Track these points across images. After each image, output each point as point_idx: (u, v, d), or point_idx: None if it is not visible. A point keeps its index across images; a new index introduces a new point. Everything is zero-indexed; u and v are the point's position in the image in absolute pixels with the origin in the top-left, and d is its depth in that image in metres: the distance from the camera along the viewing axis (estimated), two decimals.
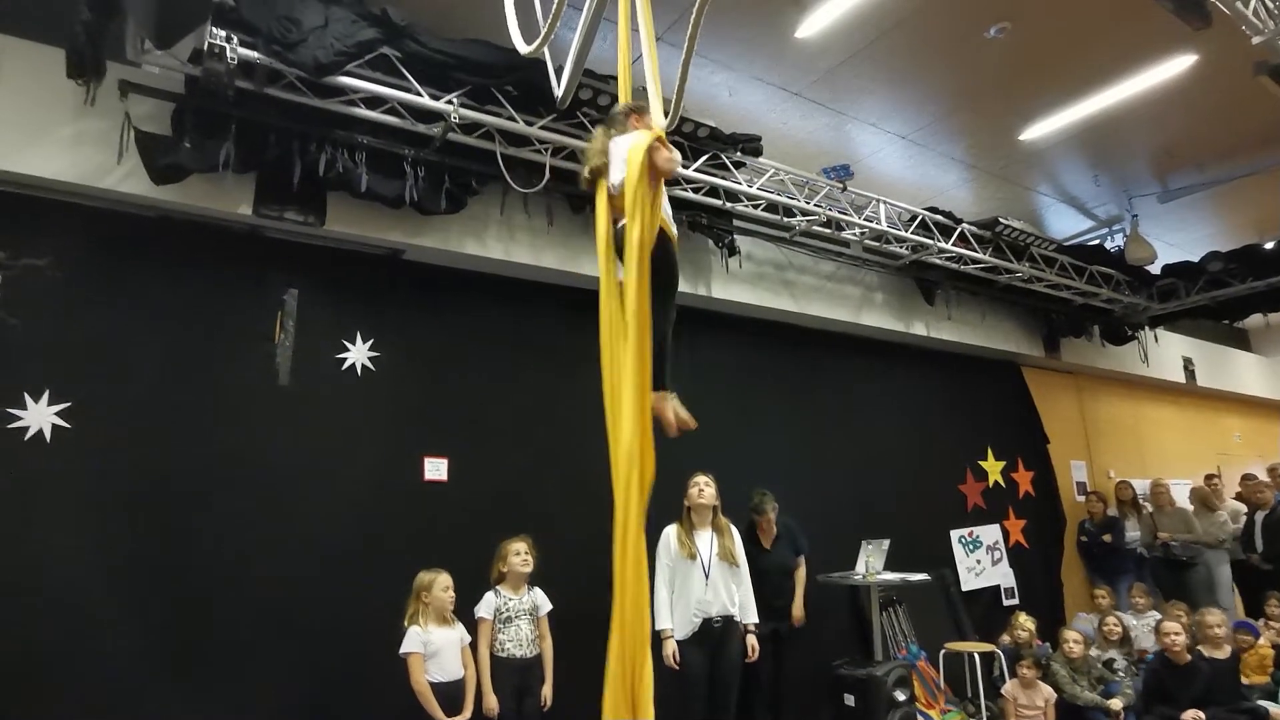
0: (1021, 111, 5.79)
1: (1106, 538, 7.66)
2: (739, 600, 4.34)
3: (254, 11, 3.67)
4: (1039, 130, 5.99)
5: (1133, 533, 7.81)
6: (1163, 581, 7.36)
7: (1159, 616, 6.13)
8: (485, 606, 4.01)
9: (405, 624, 3.79)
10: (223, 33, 3.56)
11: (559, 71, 3.03)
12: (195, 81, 3.76)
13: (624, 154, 2.58)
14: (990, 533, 7.55)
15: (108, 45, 3.49)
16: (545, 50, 2.67)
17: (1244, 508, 7.84)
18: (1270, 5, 3.89)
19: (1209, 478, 8.25)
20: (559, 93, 2.82)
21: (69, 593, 3.62)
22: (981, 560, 7.38)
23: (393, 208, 4.44)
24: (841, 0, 4.47)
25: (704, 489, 4.45)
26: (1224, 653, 5.26)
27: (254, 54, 3.70)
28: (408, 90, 4.18)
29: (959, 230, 6.62)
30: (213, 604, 3.93)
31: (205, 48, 3.54)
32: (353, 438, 4.53)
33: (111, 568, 3.75)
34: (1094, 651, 5.69)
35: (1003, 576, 7.46)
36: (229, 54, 3.57)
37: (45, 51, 3.72)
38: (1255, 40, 3.96)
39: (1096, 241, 7.99)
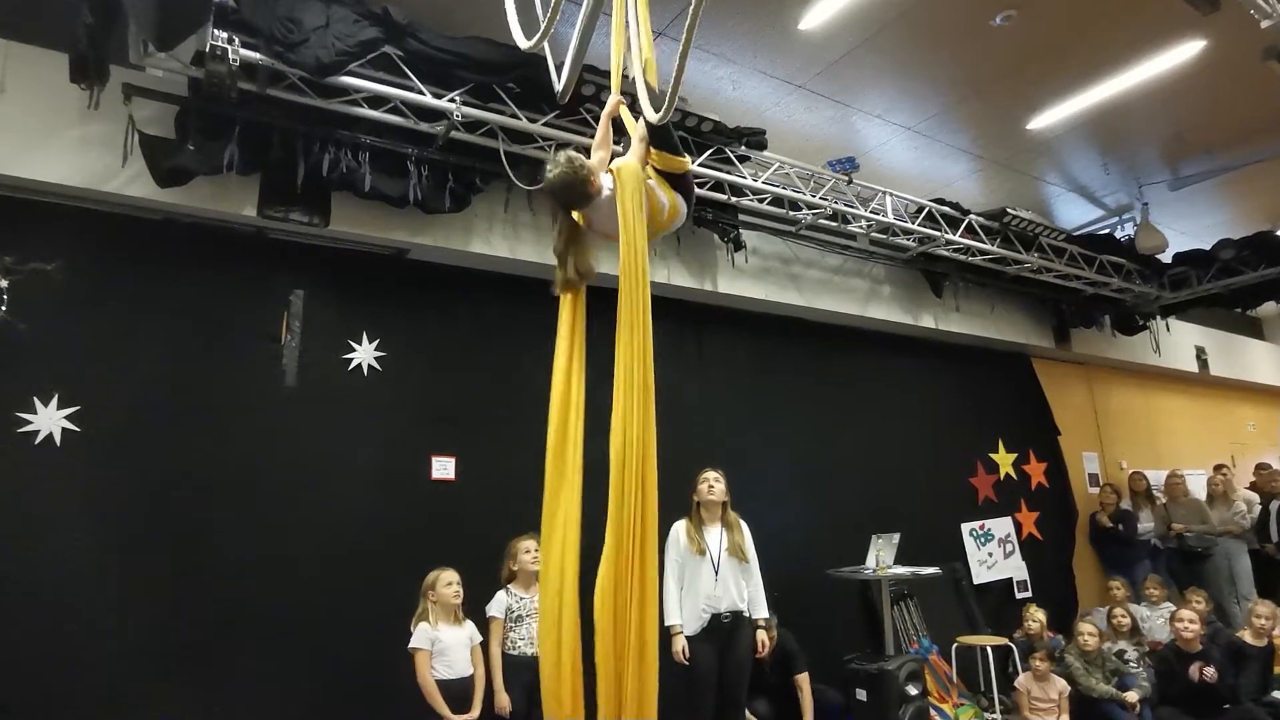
0: (1029, 100, 5.73)
1: (1115, 525, 7.62)
2: (748, 596, 4.33)
3: (255, 13, 3.67)
4: (1047, 119, 5.93)
5: (1146, 524, 7.76)
6: (1177, 573, 7.31)
7: (1173, 608, 6.09)
8: (496, 605, 4.01)
9: (412, 623, 3.80)
10: (224, 34, 3.56)
11: (560, 67, 3.02)
12: (198, 84, 3.76)
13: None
14: (1002, 525, 7.50)
15: (110, 49, 3.49)
16: (546, 46, 2.65)
17: (1255, 497, 7.78)
18: None
19: (1219, 468, 8.18)
20: (559, 88, 2.80)
21: (79, 595, 3.65)
22: (993, 553, 7.34)
23: (397, 207, 4.44)
24: None
25: (714, 485, 4.43)
26: (1263, 643, 5.21)
27: (256, 55, 3.70)
28: (410, 89, 4.17)
29: (966, 221, 6.57)
30: (222, 604, 3.95)
31: (207, 50, 3.54)
32: (360, 438, 4.53)
33: (120, 569, 3.77)
34: (1105, 645, 5.65)
35: (1015, 569, 7.42)
36: (231, 56, 3.57)
37: (49, 56, 3.73)
38: (1265, 24, 3.90)
39: (1106, 231, 7.91)
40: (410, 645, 3.74)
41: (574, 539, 2.45)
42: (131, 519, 3.85)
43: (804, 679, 4.97)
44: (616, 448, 2.41)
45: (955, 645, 6.02)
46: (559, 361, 2.64)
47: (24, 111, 3.69)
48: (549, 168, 2.62)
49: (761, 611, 4.37)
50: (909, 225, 6.26)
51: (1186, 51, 5.10)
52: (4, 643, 3.47)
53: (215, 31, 3.53)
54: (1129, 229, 7.77)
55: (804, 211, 5.79)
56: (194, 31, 3.34)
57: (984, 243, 6.65)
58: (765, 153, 5.51)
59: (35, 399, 3.74)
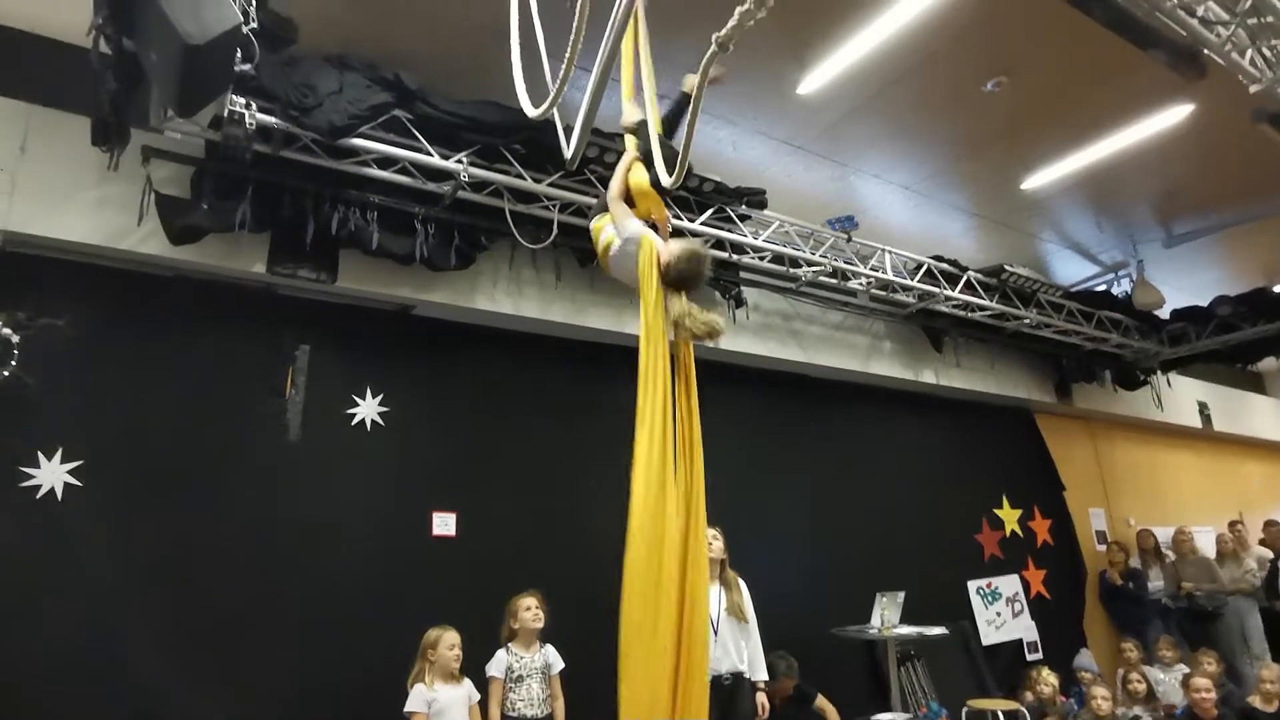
0: (1023, 161, 5.86)
1: (1125, 583, 7.51)
2: (748, 656, 4.24)
3: (273, 79, 3.80)
4: (1041, 179, 6.05)
5: (1156, 582, 7.64)
6: (1189, 633, 7.17)
7: (1187, 670, 5.96)
8: (496, 665, 3.94)
9: (409, 682, 3.73)
10: (242, 100, 3.69)
11: (568, 130, 3.12)
12: (214, 146, 3.88)
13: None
14: (1009, 584, 7.38)
15: (132, 114, 3.61)
16: (555, 113, 2.74)
17: (1269, 554, 7.68)
18: (1267, 54, 3.94)
19: (1233, 524, 8.10)
20: (568, 154, 2.89)
21: (79, 648, 3.59)
22: (1001, 612, 7.21)
23: (403, 264, 4.52)
24: (841, 58, 4.59)
25: (711, 542, 4.35)
26: (1273, 707, 5.08)
27: (272, 119, 3.82)
28: (419, 150, 4.29)
29: (965, 278, 6.65)
30: (222, 660, 3.88)
31: (225, 114, 3.66)
32: (361, 493, 4.52)
33: (119, 622, 3.71)
34: (1120, 710, 5.51)
35: (1024, 629, 7.27)
36: (248, 120, 3.69)
37: (69, 119, 3.84)
38: (1253, 89, 3.97)
39: (1103, 287, 8.00)
40: (406, 709, 3.66)
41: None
42: (131, 573, 3.81)
43: (824, 700, 5.01)
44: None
45: (965, 709, 5.87)
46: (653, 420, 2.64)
47: (44, 172, 3.80)
48: (692, 260, 2.81)
49: (761, 673, 4.28)
50: (908, 282, 6.34)
51: (1175, 115, 5.24)
52: (3, 697, 3.40)
53: (233, 97, 3.65)
54: (1125, 285, 7.86)
55: (804, 269, 5.88)
56: (215, 99, 3.45)
57: (983, 299, 6.73)
58: (766, 211, 5.63)
59: (39, 453, 3.75)
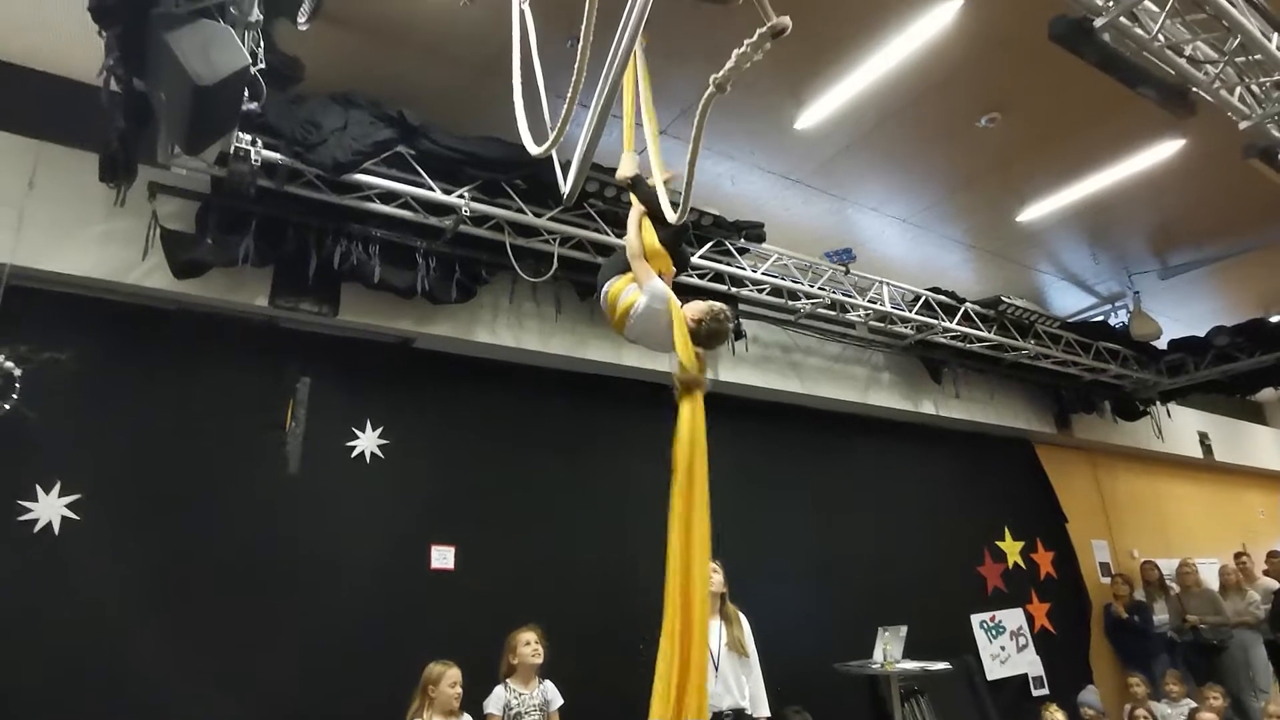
0: (1018, 194, 5.94)
1: (1130, 617, 7.43)
2: (749, 692, 4.18)
3: (279, 116, 3.87)
4: (1036, 211, 6.12)
5: (1161, 615, 7.56)
6: (1195, 666, 7.08)
7: (1193, 704, 5.88)
8: (494, 701, 3.89)
9: (408, 718, 3.68)
10: (248, 137, 3.75)
11: (565, 166, 3.16)
12: (220, 182, 3.94)
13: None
14: (1013, 617, 7.30)
15: (140, 151, 3.67)
16: (554, 151, 2.78)
17: (1275, 584, 7.62)
18: (1256, 91, 4.01)
19: (1239, 556, 8.05)
20: (565, 190, 2.93)
21: (77, 682, 3.55)
22: (1006, 647, 7.12)
23: (404, 297, 4.55)
24: (838, 94, 4.68)
25: (711, 575, 4.32)
26: None
27: (277, 155, 3.88)
28: (421, 185, 4.35)
29: (962, 310, 6.69)
30: (220, 692, 3.82)
31: (231, 151, 3.72)
32: (360, 526, 4.50)
33: (117, 656, 3.68)
34: None
35: (1029, 664, 7.18)
36: (253, 156, 3.75)
37: (77, 156, 3.91)
38: (1243, 125, 4.03)
39: (1100, 318, 8.04)
40: None
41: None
42: (129, 606, 3.78)
43: None
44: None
45: None
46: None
47: (51, 208, 3.85)
48: (720, 318, 2.87)
49: (763, 709, 4.21)
50: (906, 313, 6.38)
51: (1166, 150, 5.32)
52: None
53: (240, 134, 3.71)
54: (1122, 315, 7.90)
55: (803, 301, 5.92)
56: (222, 137, 3.51)
57: (981, 330, 6.76)
58: (764, 245, 5.68)
59: (37, 486, 3.74)
